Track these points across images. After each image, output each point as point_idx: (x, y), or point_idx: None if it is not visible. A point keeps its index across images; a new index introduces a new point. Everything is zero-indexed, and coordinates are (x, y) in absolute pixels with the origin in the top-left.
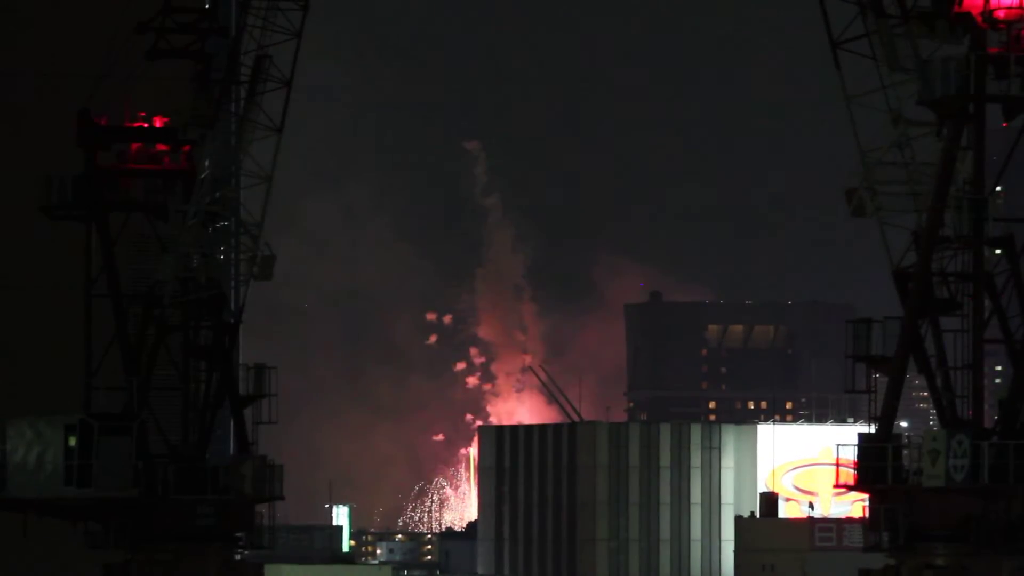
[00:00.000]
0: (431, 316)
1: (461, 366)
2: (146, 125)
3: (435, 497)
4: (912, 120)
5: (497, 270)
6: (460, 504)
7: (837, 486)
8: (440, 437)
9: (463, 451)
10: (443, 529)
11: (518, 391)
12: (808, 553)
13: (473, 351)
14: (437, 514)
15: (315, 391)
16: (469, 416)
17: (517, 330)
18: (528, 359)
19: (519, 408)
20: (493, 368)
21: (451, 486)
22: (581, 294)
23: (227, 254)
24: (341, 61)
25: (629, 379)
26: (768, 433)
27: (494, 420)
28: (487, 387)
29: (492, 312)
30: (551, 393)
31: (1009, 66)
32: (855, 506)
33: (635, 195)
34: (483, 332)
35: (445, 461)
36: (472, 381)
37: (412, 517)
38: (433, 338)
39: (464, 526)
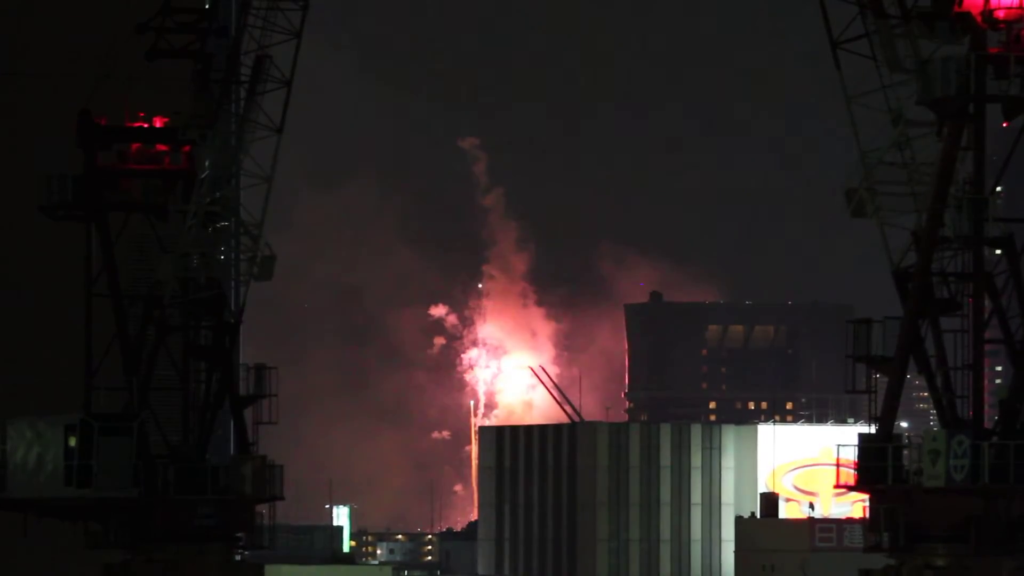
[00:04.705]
0: (435, 311)
1: (465, 366)
2: (146, 125)
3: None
4: (912, 120)
5: (500, 269)
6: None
7: (837, 486)
8: (446, 434)
9: (466, 449)
10: (443, 529)
11: (526, 391)
12: (808, 553)
13: (478, 350)
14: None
15: (316, 391)
16: (474, 416)
17: (522, 329)
18: (533, 359)
19: (526, 408)
20: (498, 367)
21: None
22: (586, 292)
23: (227, 254)
24: (341, 60)
25: (629, 379)
26: (768, 433)
27: (502, 420)
28: (493, 386)
29: (496, 311)
30: (551, 393)
31: (1009, 66)
32: (855, 506)
33: (635, 195)
34: (488, 331)
35: (449, 461)
36: (476, 381)
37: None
38: (439, 339)
39: (464, 526)
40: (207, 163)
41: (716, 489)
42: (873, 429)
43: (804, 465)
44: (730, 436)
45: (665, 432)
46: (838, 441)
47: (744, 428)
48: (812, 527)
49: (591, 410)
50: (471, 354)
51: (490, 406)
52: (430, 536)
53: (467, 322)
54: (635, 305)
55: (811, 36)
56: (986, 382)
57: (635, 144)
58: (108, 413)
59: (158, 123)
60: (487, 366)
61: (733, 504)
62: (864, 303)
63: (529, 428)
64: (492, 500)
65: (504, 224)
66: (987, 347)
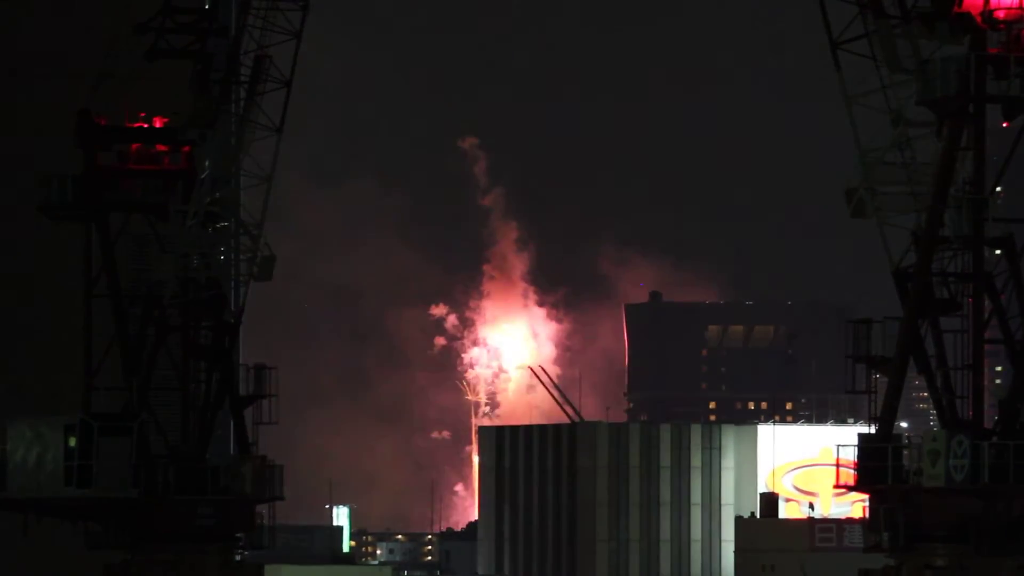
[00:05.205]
0: (435, 311)
1: (465, 366)
2: (146, 125)
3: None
4: (912, 120)
5: (500, 269)
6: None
7: (837, 486)
8: (446, 434)
9: (466, 449)
10: (443, 529)
11: (526, 391)
12: (808, 553)
13: (478, 350)
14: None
15: (316, 391)
16: (474, 416)
17: (523, 329)
18: (533, 358)
19: (526, 408)
20: (498, 367)
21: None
22: (586, 292)
23: (227, 254)
24: (341, 59)
25: (629, 379)
26: (768, 433)
27: (502, 420)
28: (493, 386)
29: (497, 311)
30: (551, 393)
31: (1009, 66)
32: (855, 506)
33: (636, 194)
34: (488, 331)
35: (449, 461)
36: (476, 381)
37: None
38: (439, 339)
39: (464, 526)
40: (207, 163)
41: (716, 489)
42: (873, 429)
43: (804, 465)
44: (730, 436)
45: (665, 432)
46: (838, 441)
47: (744, 428)
48: (812, 527)
49: (591, 410)
50: (471, 354)
51: (490, 406)
52: (430, 536)
53: (467, 322)
54: (635, 305)
55: (811, 36)
56: (986, 382)
57: (635, 143)
58: (108, 413)
59: (158, 123)
60: (487, 366)
61: (733, 504)
62: (864, 303)
63: (529, 428)
64: (492, 500)
65: (504, 224)
66: (987, 347)
